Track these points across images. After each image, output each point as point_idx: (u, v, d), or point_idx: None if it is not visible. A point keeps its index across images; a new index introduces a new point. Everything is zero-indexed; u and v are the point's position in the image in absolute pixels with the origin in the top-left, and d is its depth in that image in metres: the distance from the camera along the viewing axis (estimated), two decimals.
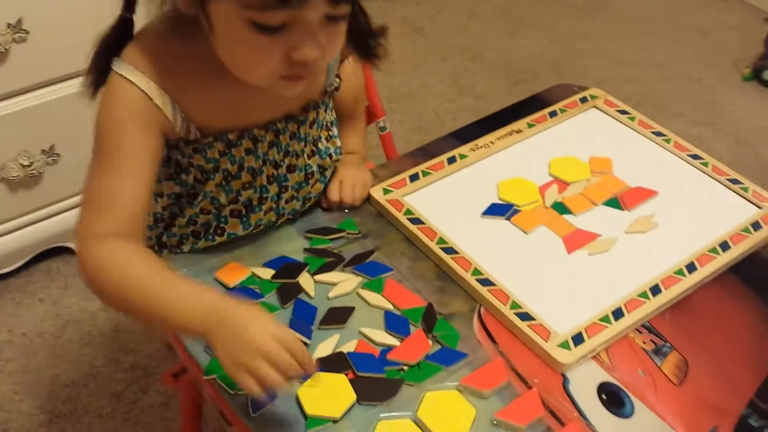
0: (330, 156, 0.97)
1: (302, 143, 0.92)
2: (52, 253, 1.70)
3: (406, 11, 2.50)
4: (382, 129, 1.42)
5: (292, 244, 0.96)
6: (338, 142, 0.99)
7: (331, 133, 0.97)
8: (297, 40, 0.72)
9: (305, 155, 0.93)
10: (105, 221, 0.78)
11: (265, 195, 0.92)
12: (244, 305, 0.73)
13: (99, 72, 0.81)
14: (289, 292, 0.90)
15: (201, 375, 0.83)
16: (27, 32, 1.38)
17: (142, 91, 0.79)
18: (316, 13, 0.71)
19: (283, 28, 0.71)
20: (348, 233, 0.97)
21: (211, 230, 0.93)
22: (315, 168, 0.95)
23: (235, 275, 0.91)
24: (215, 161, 0.87)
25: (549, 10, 2.59)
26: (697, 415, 0.81)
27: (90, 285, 0.78)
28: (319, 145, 0.95)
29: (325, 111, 0.95)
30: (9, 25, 1.36)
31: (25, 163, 1.50)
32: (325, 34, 0.73)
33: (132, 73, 0.78)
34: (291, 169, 0.92)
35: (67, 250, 1.71)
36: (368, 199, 1.01)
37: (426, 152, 1.09)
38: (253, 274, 0.91)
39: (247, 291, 0.89)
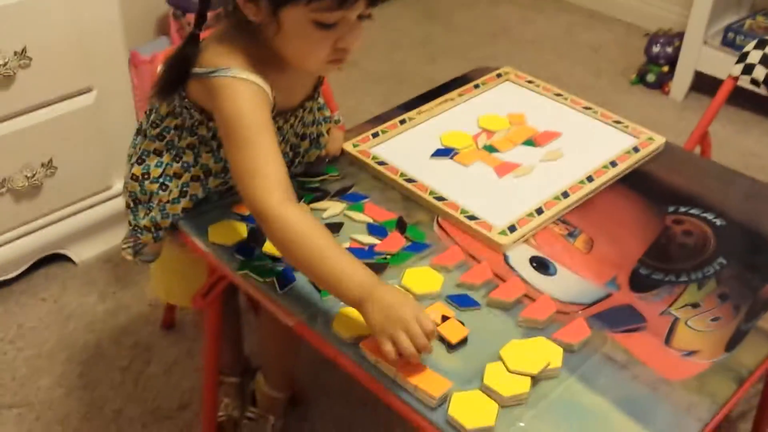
0: (322, 124, 1.26)
1: (312, 116, 1.21)
2: (49, 259, 1.91)
3: None
4: (337, 121, 1.71)
5: None
6: (326, 112, 1.28)
7: (320, 105, 1.26)
8: (343, 33, 1.02)
9: (311, 125, 1.22)
10: (278, 185, 0.99)
11: (285, 160, 1.19)
12: (393, 288, 0.97)
13: (174, 80, 1.08)
14: None
15: (233, 274, 1.08)
16: (30, 59, 1.63)
17: (257, 84, 1.05)
18: (355, 13, 1.01)
19: (334, 25, 1.01)
20: (330, 176, 1.25)
21: None
22: (316, 135, 1.24)
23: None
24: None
25: (460, 40, 2.96)
26: (601, 270, 1.12)
27: (279, 241, 1.00)
28: (317, 115, 1.24)
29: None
30: (15, 53, 1.61)
31: (28, 174, 1.73)
32: (357, 29, 1.03)
33: (243, 74, 1.04)
34: (303, 137, 1.22)
35: (63, 257, 1.93)
36: (342, 152, 1.30)
37: (381, 119, 1.39)
38: None
39: None
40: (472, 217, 1.17)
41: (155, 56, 2.27)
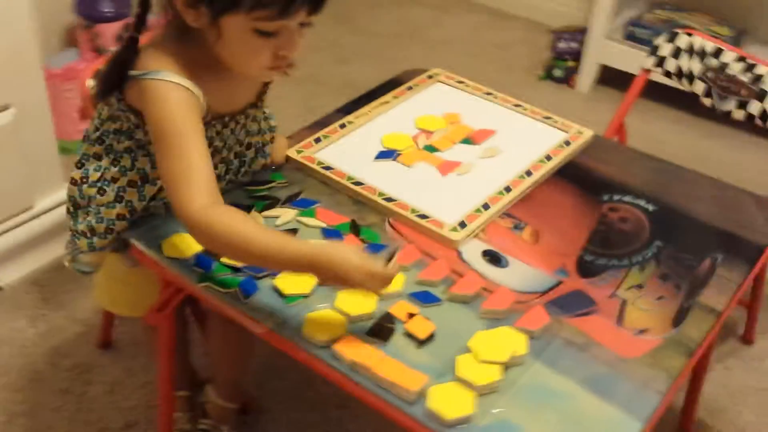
0: (267, 133, 1.26)
1: (256, 124, 1.22)
2: None
3: None
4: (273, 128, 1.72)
5: (236, 196, 1.23)
6: (272, 122, 1.29)
7: (266, 115, 1.27)
8: (284, 41, 1.04)
9: (257, 134, 1.23)
10: (202, 191, 1.01)
11: (231, 167, 1.19)
12: (339, 245, 1.01)
13: (113, 82, 1.08)
14: None
15: (194, 287, 1.08)
16: None
17: (186, 88, 1.05)
18: (296, 21, 1.03)
19: (275, 33, 1.02)
20: (278, 183, 1.26)
21: None
22: (261, 144, 1.24)
23: None
24: (210, 139, 1.13)
25: (370, 42, 3.00)
26: (550, 259, 1.17)
27: (209, 246, 1.03)
28: (262, 125, 1.25)
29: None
30: None
31: None
32: (298, 37, 1.05)
33: (173, 77, 1.04)
34: (248, 146, 1.22)
35: None
36: (286, 159, 1.31)
37: (321, 124, 1.41)
38: None
39: None
40: (423, 216, 1.20)
41: (67, 68, 2.21)
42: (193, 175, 1.02)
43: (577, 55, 2.77)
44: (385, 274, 0.98)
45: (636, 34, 2.63)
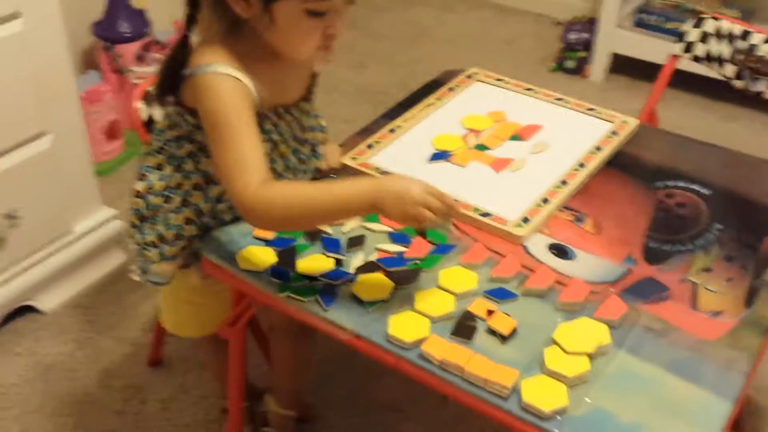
0: (319, 131, 1.27)
1: (310, 120, 1.23)
2: (14, 314, 1.84)
3: None
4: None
5: None
6: (322, 122, 1.30)
7: (316, 113, 1.28)
8: (331, 20, 1.06)
9: (311, 131, 1.24)
10: (255, 175, 1.03)
11: (288, 164, 1.21)
12: (391, 178, 1.05)
13: (171, 80, 1.10)
14: (312, 235, 1.18)
15: (274, 298, 1.09)
16: None
17: (238, 79, 1.07)
18: (343, 1, 1.05)
19: (325, 13, 1.04)
20: None
21: None
22: (315, 142, 1.25)
23: (269, 232, 1.18)
24: (267, 132, 1.14)
25: (382, 45, 3.02)
26: (615, 249, 1.19)
27: (271, 224, 1.07)
28: (314, 123, 1.26)
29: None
30: None
31: None
32: (344, 14, 1.07)
33: (226, 69, 1.06)
34: (304, 142, 1.23)
35: (30, 309, 1.86)
36: (343, 166, 1.32)
37: (369, 131, 1.42)
38: None
39: (283, 240, 1.17)
40: (485, 214, 1.22)
41: (90, 91, 2.22)
42: (247, 164, 1.04)
43: (587, 45, 2.79)
44: (443, 193, 1.01)
45: (645, 21, 2.66)
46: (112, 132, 2.32)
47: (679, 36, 1.72)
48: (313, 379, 1.66)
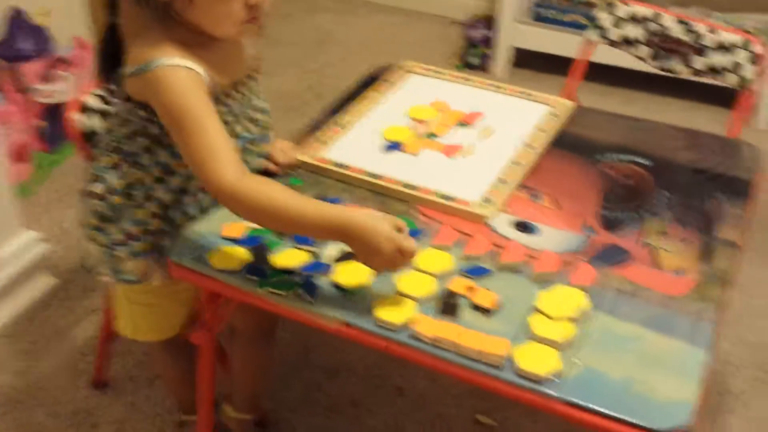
0: (268, 115, 1.26)
1: (260, 101, 1.22)
2: None
3: None
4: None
5: None
6: (266, 106, 1.28)
7: (262, 98, 1.27)
8: None
9: (261, 113, 1.23)
10: (229, 161, 1.04)
11: (242, 145, 1.19)
12: (368, 213, 1.04)
13: (108, 65, 1.12)
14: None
15: (253, 294, 1.08)
16: None
17: (187, 67, 1.06)
18: None
19: None
20: (298, 187, 1.27)
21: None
22: (264, 125, 1.24)
23: (237, 230, 1.17)
24: (221, 114, 1.11)
25: (289, 51, 3.01)
26: (574, 221, 1.24)
27: (246, 215, 1.06)
28: (263, 105, 1.25)
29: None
30: None
31: None
32: None
33: (176, 61, 1.05)
34: (255, 122, 1.21)
35: None
36: (298, 164, 1.32)
37: (315, 126, 1.42)
38: (251, 228, 1.18)
39: (253, 238, 1.16)
40: (448, 198, 1.24)
41: None
42: (218, 149, 1.04)
43: (489, 42, 2.88)
44: (412, 249, 1.03)
45: (543, 15, 2.77)
46: (19, 154, 2.22)
47: (593, 22, 1.80)
48: (269, 383, 1.65)
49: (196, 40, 1.10)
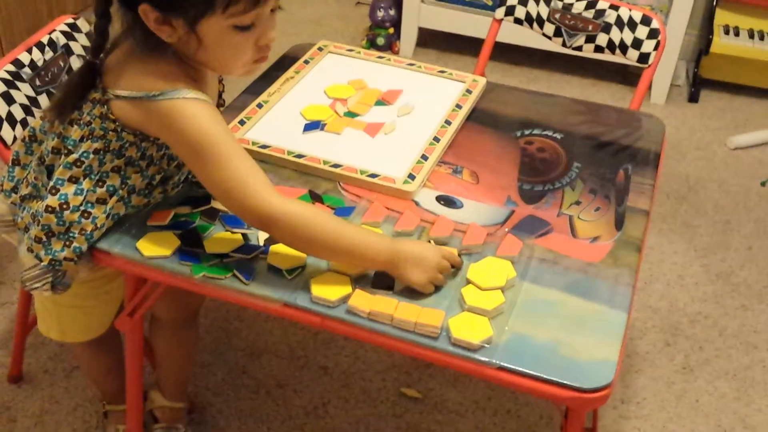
0: None
1: None
2: None
3: None
4: None
5: (189, 190, 1.22)
6: None
7: None
8: (261, 30, 1.05)
9: None
10: (267, 188, 1.03)
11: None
12: (409, 241, 1.09)
13: (73, 105, 1.06)
14: (211, 214, 1.17)
15: (189, 280, 1.08)
16: None
17: (205, 100, 1.04)
18: (269, 7, 1.04)
19: (252, 25, 1.03)
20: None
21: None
22: None
23: (164, 217, 1.16)
24: None
25: None
26: (495, 194, 1.28)
27: (292, 240, 1.06)
28: None
29: None
30: None
31: None
32: (273, 22, 1.07)
33: (191, 93, 1.03)
34: None
35: None
36: None
37: (236, 108, 1.41)
38: (176, 213, 1.17)
39: (181, 224, 1.15)
40: (373, 175, 1.27)
41: None
42: (255, 174, 1.04)
43: (395, 22, 2.90)
44: (452, 252, 1.10)
45: None
46: None
47: (501, 1, 1.85)
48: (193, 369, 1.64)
49: (195, 73, 1.08)
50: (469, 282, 1.09)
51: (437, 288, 1.08)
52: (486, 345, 1.01)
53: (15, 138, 1.32)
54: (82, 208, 1.10)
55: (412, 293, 1.07)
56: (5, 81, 1.32)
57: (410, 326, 1.02)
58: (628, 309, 1.09)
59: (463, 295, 1.07)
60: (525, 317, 1.06)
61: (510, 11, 1.85)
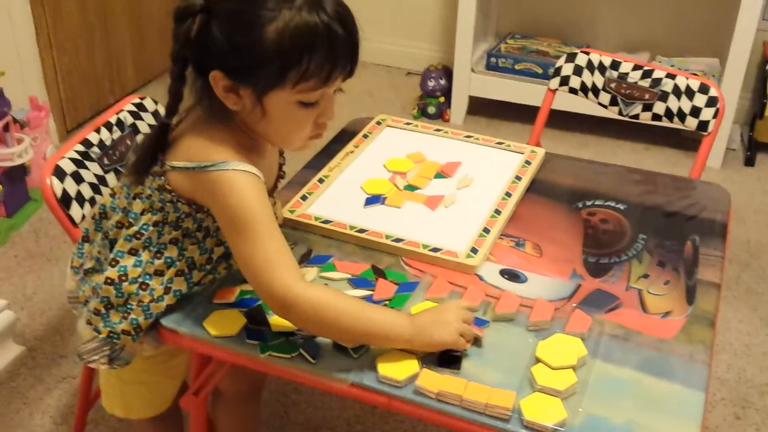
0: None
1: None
2: None
3: None
4: None
5: None
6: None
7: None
8: (323, 108, 1.07)
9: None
10: (291, 273, 1.02)
11: None
12: (423, 312, 1.09)
13: (146, 167, 1.07)
14: None
15: (256, 360, 1.07)
16: None
17: (254, 174, 1.05)
18: (334, 88, 1.06)
19: (316, 102, 1.05)
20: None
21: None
22: None
23: (229, 295, 1.16)
24: None
25: None
26: (560, 267, 1.26)
27: (303, 320, 1.05)
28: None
29: None
30: None
31: None
32: (333, 102, 1.09)
33: (242, 166, 1.04)
34: None
35: None
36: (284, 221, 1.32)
37: (297, 183, 1.43)
38: (241, 290, 1.17)
39: (247, 301, 1.15)
40: (435, 249, 1.26)
41: None
42: (284, 258, 1.04)
43: (445, 91, 2.93)
44: (470, 307, 1.11)
45: (497, 64, 2.84)
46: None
47: (556, 71, 1.86)
48: None
49: (251, 145, 1.10)
50: (539, 360, 1.06)
51: (475, 341, 1.08)
52: (560, 428, 0.98)
53: (83, 216, 1.34)
54: (140, 279, 1.11)
55: (480, 373, 1.05)
56: (75, 161, 1.36)
57: (480, 407, 1.00)
58: (705, 388, 1.05)
59: (534, 375, 1.04)
60: (599, 397, 1.03)
61: (564, 81, 1.85)
